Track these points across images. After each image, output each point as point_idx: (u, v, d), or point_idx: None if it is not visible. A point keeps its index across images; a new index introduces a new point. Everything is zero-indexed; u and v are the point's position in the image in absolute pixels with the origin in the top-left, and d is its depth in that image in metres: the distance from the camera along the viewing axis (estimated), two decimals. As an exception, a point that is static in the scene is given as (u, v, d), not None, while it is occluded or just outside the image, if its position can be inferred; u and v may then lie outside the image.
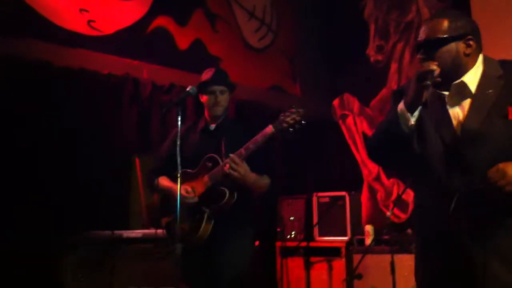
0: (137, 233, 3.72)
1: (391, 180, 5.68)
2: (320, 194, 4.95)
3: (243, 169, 2.84)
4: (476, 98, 1.98)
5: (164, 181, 3.13)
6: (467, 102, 2.00)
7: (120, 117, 4.63)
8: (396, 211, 5.45)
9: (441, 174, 1.99)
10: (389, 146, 2.07)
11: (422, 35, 2.04)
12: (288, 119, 2.79)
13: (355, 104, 6.11)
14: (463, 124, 1.97)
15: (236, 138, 2.98)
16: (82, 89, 4.40)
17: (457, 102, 2.02)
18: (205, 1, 5.42)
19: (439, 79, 1.95)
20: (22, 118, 3.97)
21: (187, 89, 2.93)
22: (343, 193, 4.87)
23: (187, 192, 2.95)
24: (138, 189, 4.51)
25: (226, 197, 2.89)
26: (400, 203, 5.42)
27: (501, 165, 1.84)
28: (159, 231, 3.61)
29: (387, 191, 5.70)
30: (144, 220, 4.40)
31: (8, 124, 3.88)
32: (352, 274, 4.06)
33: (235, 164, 2.83)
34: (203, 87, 3.19)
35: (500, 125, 1.91)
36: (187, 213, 2.92)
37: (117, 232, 3.67)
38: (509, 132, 1.90)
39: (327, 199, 4.92)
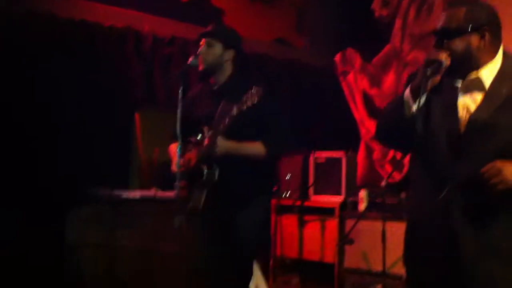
0: (136, 193, 3.78)
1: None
2: (318, 153, 4.99)
3: (220, 144, 2.78)
4: (489, 93, 1.97)
5: (171, 149, 3.09)
6: (479, 96, 1.99)
7: (122, 70, 4.61)
8: (391, 170, 5.53)
9: (440, 161, 2.00)
10: (394, 128, 2.09)
11: (440, 22, 2.02)
12: (247, 102, 2.68)
13: (357, 60, 6.03)
14: (472, 115, 1.96)
15: (235, 101, 2.80)
16: (84, 41, 4.36)
17: (469, 94, 2.01)
18: (209, -50, 5.28)
19: (445, 69, 1.95)
20: (21, 70, 3.95)
21: (189, 61, 2.88)
22: (340, 153, 4.91)
23: (178, 166, 2.86)
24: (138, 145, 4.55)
25: (204, 176, 2.85)
26: (395, 162, 5.49)
27: (498, 163, 1.86)
28: (159, 192, 3.69)
29: (383, 151, 5.74)
30: (144, 178, 4.47)
31: (8, 76, 3.87)
32: (345, 239, 4.17)
33: (211, 140, 2.79)
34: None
35: (507, 120, 1.91)
36: (188, 183, 2.92)
37: (116, 191, 3.73)
38: None
39: (323, 160, 4.97)
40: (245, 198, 2.93)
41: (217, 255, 2.93)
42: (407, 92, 2.02)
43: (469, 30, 1.95)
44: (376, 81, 5.94)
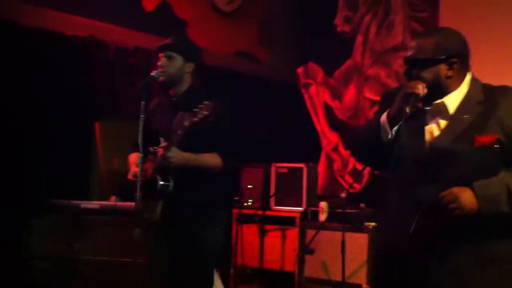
0: (95, 204, 3.74)
1: (349, 151, 5.84)
2: (279, 164, 5.05)
3: (174, 155, 2.79)
4: (453, 119, 2.01)
5: (130, 158, 3.11)
6: (444, 122, 2.03)
7: (84, 80, 4.58)
8: (351, 181, 5.64)
9: (407, 184, 2.03)
10: (371, 150, 2.17)
11: (410, 51, 2.06)
12: (199, 114, 2.72)
13: (319, 74, 6.17)
14: (433, 141, 2.01)
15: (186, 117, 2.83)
16: (45, 50, 4.32)
17: (435, 120, 2.05)
18: (173, -38, 5.31)
19: (421, 99, 2.00)
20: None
21: (152, 73, 2.91)
22: (301, 164, 4.98)
23: (134, 176, 2.90)
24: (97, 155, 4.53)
25: (158, 187, 2.85)
26: (355, 174, 5.60)
27: (455, 189, 1.90)
28: (119, 203, 3.67)
29: (344, 161, 5.86)
30: (104, 187, 4.44)
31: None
32: (305, 249, 4.23)
33: (165, 151, 2.79)
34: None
35: (464, 148, 1.95)
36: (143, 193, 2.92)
37: (74, 202, 3.68)
38: (471, 157, 1.93)
39: (285, 170, 5.03)
40: (202, 209, 2.94)
41: (176, 266, 2.93)
42: (383, 118, 2.07)
43: (438, 61, 2.00)
44: (337, 94, 6.07)
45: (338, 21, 6.12)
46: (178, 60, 3.01)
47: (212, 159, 2.93)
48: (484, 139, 1.92)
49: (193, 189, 2.93)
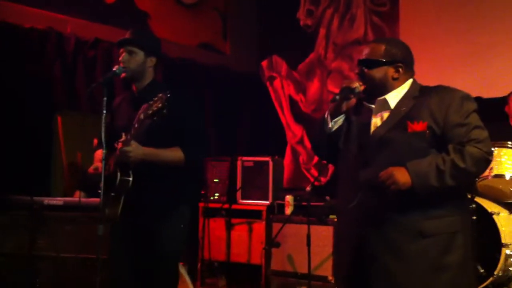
0: (58, 200, 3.66)
1: (313, 144, 5.88)
2: (245, 158, 5.04)
3: (132, 149, 2.73)
4: (392, 112, 2.32)
5: (96, 155, 3.09)
6: (386, 115, 2.33)
7: (43, 73, 4.48)
8: (316, 174, 5.68)
9: (352, 170, 2.32)
10: (320, 142, 2.47)
11: (363, 53, 2.39)
12: (153, 106, 2.66)
13: (283, 67, 6.17)
14: (374, 130, 2.31)
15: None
16: (3, 43, 4.19)
17: (380, 114, 2.35)
18: (135, -47, 5.23)
19: (358, 95, 2.36)
20: None
21: (113, 69, 2.84)
22: (267, 158, 4.97)
23: (96, 170, 2.91)
24: (60, 149, 4.42)
25: (116, 182, 2.78)
26: (320, 167, 5.64)
27: (390, 168, 2.17)
28: (83, 199, 3.60)
29: (309, 155, 5.89)
30: (66, 182, 4.34)
31: None
32: (271, 243, 4.23)
33: (123, 146, 2.73)
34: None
35: (399, 135, 2.24)
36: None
37: (37, 198, 3.59)
38: (405, 142, 2.23)
39: (251, 163, 5.02)
40: (164, 205, 2.88)
41: (141, 262, 2.89)
42: (326, 112, 2.41)
43: (388, 63, 2.33)
44: (301, 88, 6.09)
45: (301, 15, 6.14)
46: (140, 55, 2.92)
47: (173, 153, 2.86)
48: (416, 126, 2.21)
49: (154, 184, 2.86)
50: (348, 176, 2.34)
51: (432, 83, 2.40)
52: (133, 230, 2.88)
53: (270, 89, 6.21)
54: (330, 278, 4.19)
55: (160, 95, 2.66)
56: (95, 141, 4.02)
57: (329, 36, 5.97)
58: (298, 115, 6.04)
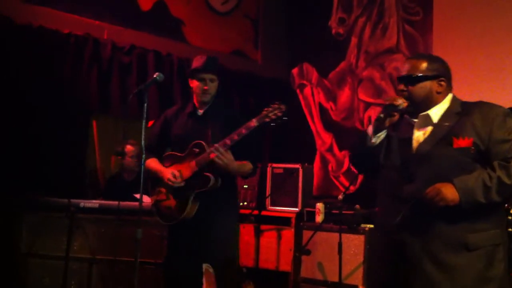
0: (94, 203, 3.73)
1: (343, 152, 5.87)
2: (275, 164, 5.06)
3: (227, 158, 3.03)
4: (436, 127, 2.35)
5: (152, 163, 3.28)
6: (429, 130, 2.36)
7: (80, 78, 4.57)
8: (345, 181, 5.67)
9: (394, 184, 2.35)
10: (360, 156, 2.55)
11: (403, 70, 2.40)
12: (270, 114, 2.99)
13: (314, 75, 6.18)
14: (418, 146, 2.34)
15: (222, 126, 3.17)
16: (41, 47, 4.30)
17: (422, 129, 2.38)
18: (170, -38, 5.30)
19: (401, 111, 2.37)
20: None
21: (154, 76, 2.92)
22: (297, 165, 4.98)
23: (174, 176, 3.12)
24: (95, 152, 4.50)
25: (211, 183, 3.08)
26: (350, 175, 5.63)
27: (438, 185, 2.21)
28: (122, 203, 3.68)
29: (338, 162, 5.89)
30: (100, 184, 4.41)
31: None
32: (302, 250, 4.23)
33: (220, 154, 3.01)
34: (194, 73, 3.26)
35: (445, 150, 2.27)
36: (174, 193, 3.15)
37: (73, 200, 3.67)
38: (450, 157, 2.26)
39: (281, 170, 5.04)
40: (227, 209, 3.20)
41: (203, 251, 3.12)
42: (370, 127, 2.46)
43: (431, 78, 2.36)
44: (331, 96, 6.09)
45: (333, 23, 6.14)
46: (217, 81, 3.27)
47: (247, 167, 3.21)
48: (462, 142, 2.25)
49: (222, 191, 3.16)
50: (391, 190, 2.37)
51: (465, 95, 2.43)
52: (198, 227, 3.12)
53: (300, 96, 6.23)
54: (360, 287, 4.18)
55: (277, 104, 3.02)
56: (128, 147, 4.12)
57: (361, 44, 5.96)
58: (328, 123, 6.04)
